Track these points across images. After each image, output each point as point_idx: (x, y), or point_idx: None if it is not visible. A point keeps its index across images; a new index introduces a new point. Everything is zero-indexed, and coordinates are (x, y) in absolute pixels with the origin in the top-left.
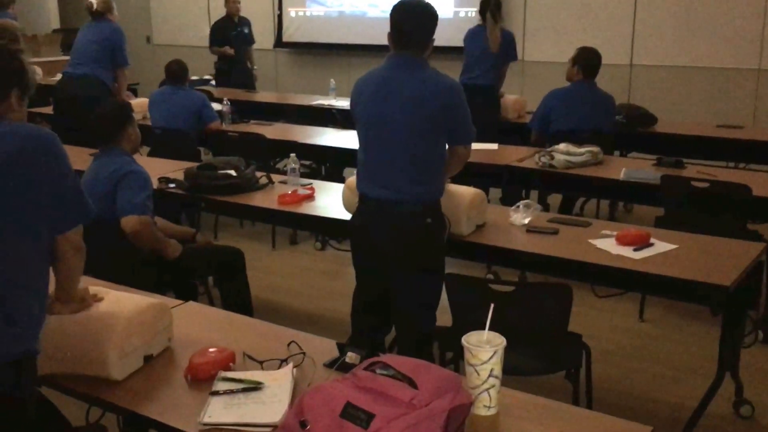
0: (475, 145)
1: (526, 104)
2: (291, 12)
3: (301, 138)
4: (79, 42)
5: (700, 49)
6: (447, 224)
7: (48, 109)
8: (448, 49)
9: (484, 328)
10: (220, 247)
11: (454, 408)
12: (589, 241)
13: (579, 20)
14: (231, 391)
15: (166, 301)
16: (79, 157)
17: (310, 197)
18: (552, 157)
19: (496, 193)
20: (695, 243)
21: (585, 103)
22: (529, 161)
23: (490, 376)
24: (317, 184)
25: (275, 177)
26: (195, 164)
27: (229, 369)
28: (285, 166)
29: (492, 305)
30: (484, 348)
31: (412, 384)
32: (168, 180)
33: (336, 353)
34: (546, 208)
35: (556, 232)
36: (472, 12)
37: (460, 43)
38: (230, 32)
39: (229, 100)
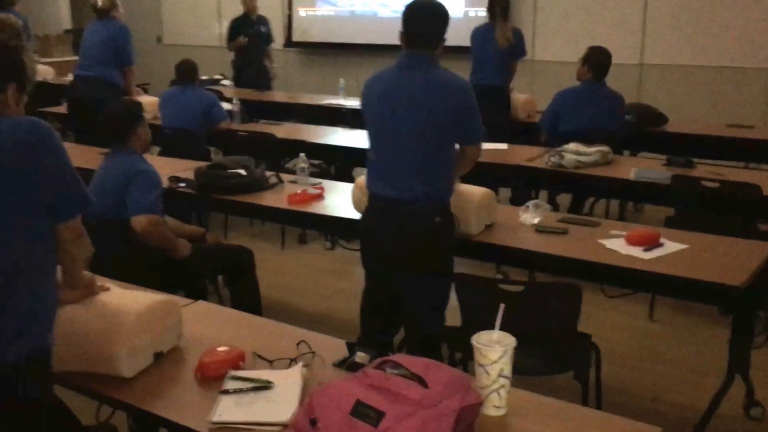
0: (484, 145)
1: (536, 104)
2: (301, 12)
3: (311, 138)
4: (85, 42)
5: (711, 48)
6: (456, 224)
7: (60, 109)
8: (458, 48)
9: (493, 328)
10: (229, 247)
11: (464, 408)
12: (599, 241)
13: (589, 20)
14: (241, 390)
15: (175, 299)
16: (91, 157)
17: (320, 197)
18: (562, 157)
19: (505, 192)
20: (705, 243)
21: (595, 102)
22: (538, 161)
23: (499, 376)
24: (326, 183)
25: (285, 176)
26: (205, 164)
27: (238, 368)
28: (294, 165)
29: (502, 306)
30: (494, 348)
31: (422, 383)
32: (178, 179)
33: (345, 353)
34: (555, 208)
35: (565, 232)
36: (482, 11)
37: (470, 43)
38: (247, 30)
39: (239, 99)
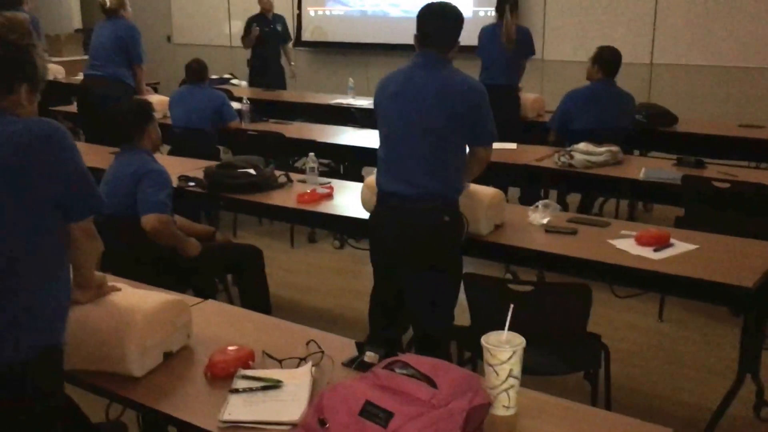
0: (493, 145)
1: (546, 103)
2: (310, 11)
3: (320, 137)
4: (94, 42)
5: (721, 48)
6: (465, 223)
7: (71, 108)
8: (467, 48)
9: (502, 328)
10: (239, 246)
11: (473, 408)
12: (609, 241)
13: (599, 19)
14: (250, 389)
15: (185, 298)
16: (101, 156)
17: (329, 196)
18: (571, 157)
19: (514, 192)
20: (716, 243)
21: (604, 102)
22: (548, 161)
23: (509, 376)
24: (336, 183)
25: (294, 176)
26: (214, 163)
27: (248, 367)
28: (304, 165)
29: (512, 306)
30: (504, 348)
31: (431, 383)
32: (188, 178)
33: (355, 352)
34: (565, 207)
35: (575, 232)
36: (491, 11)
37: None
38: (262, 29)
39: (248, 99)
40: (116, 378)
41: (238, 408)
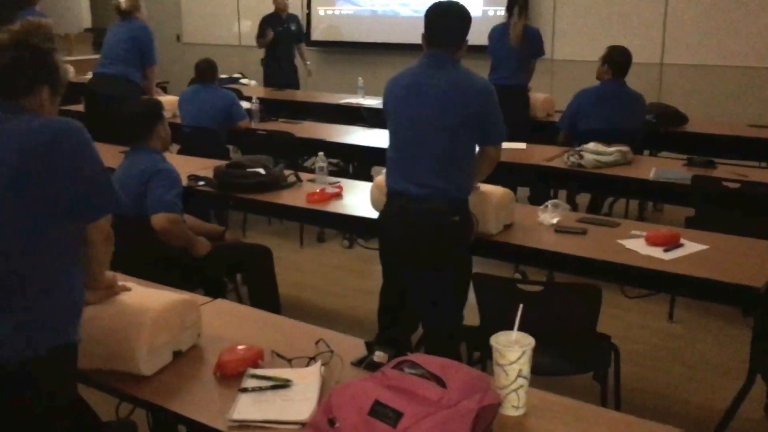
0: (503, 145)
1: (555, 103)
2: (320, 11)
3: (329, 137)
4: (108, 42)
5: (732, 47)
6: (475, 223)
7: (79, 107)
8: (477, 48)
9: (511, 328)
10: (248, 245)
11: (483, 408)
12: (618, 241)
13: (609, 19)
14: (259, 389)
15: (194, 297)
16: (110, 155)
17: (338, 196)
18: (581, 157)
19: (524, 192)
20: (726, 244)
21: (614, 102)
22: (557, 161)
23: (518, 376)
24: (345, 182)
25: (303, 175)
26: (224, 162)
27: (257, 366)
28: (313, 164)
29: (521, 306)
30: (513, 348)
31: (440, 383)
32: (197, 178)
33: (364, 352)
34: (574, 207)
35: (584, 232)
36: (501, 11)
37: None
38: (276, 28)
39: (258, 98)
40: (126, 377)
41: (247, 407)
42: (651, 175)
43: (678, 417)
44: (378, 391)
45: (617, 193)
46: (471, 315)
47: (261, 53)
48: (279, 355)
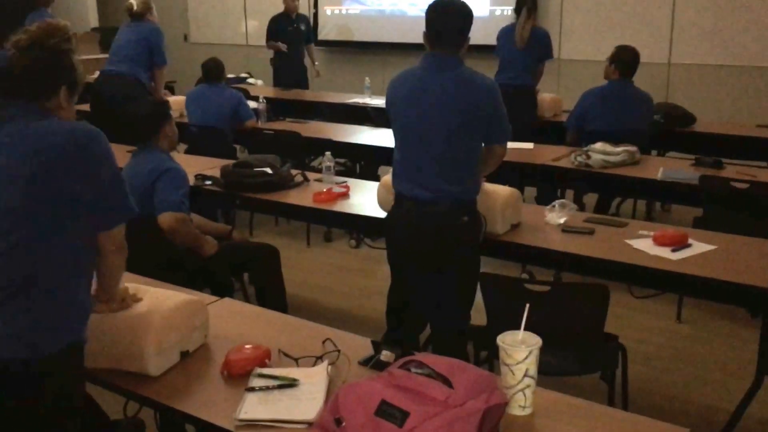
0: (510, 144)
1: (562, 103)
2: (327, 10)
3: (336, 136)
4: (117, 42)
5: (739, 47)
6: (483, 223)
7: (86, 106)
8: (484, 47)
9: (518, 328)
10: (255, 245)
11: (490, 408)
12: (626, 241)
13: (616, 18)
14: (267, 388)
15: (202, 297)
16: (117, 155)
17: (345, 195)
18: (588, 157)
19: (531, 192)
20: (734, 244)
21: (622, 102)
22: (564, 161)
23: (525, 376)
24: (352, 182)
25: (310, 175)
26: (231, 162)
27: (264, 366)
28: (320, 164)
29: (527, 305)
30: (520, 348)
31: (447, 383)
32: (204, 177)
33: (371, 351)
34: (582, 207)
35: (592, 232)
36: (508, 10)
37: (495, 42)
38: (286, 28)
39: (264, 98)
40: (134, 377)
41: (254, 406)
42: (659, 175)
43: (685, 417)
44: (385, 391)
45: (625, 193)
46: (478, 315)
47: (268, 53)
48: (286, 355)
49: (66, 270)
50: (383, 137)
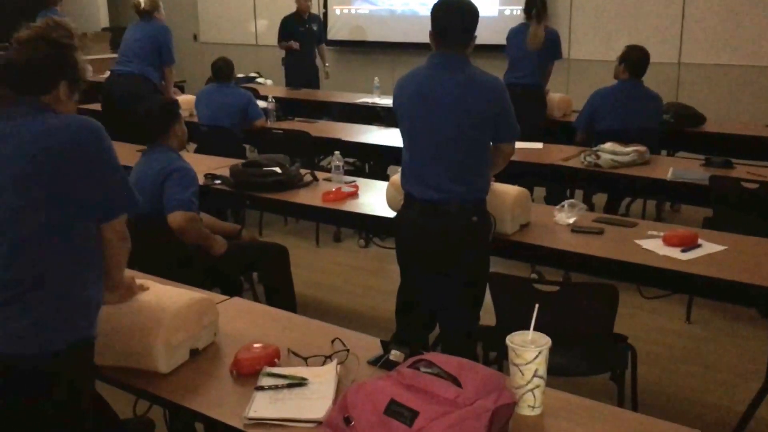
0: (519, 144)
1: (572, 103)
2: (336, 10)
3: (346, 136)
4: (126, 41)
5: (750, 47)
6: (492, 223)
7: (96, 106)
8: (493, 47)
9: (527, 328)
10: (264, 244)
11: (499, 407)
12: (636, 241)
13: (626, 18)
14: (276, 387)
15: (211, 296)
16: (127, 154)
17: (354, 195)
18: (598, 157)
19: (540, 192)
20: (744, 244)
21: (631, 102)
22: (574, 160)
23: (534, 376)
24: (361, 181)
25: (319, 174)
26: (240, 161)
27: (273, 365)
28: (329, 163)
29: (537, 306)
30: (529, 348)
31: (456, 383)
32: (214, 177)
33: (380, 351)
34: (591, 207)
35: (601, 232)
36: (517, 10)
37: (505, 42)
38: (298, 28)
39: (274, 97)
40: (144, 374)
41: (263, 405)
42: (668, 175)
43: (695, 418)
44: (394, 390)
45: (634, 194)
46: (487, 315)
47: (279, 53)
48: (295, 354)
49: (73, 266)
50: (392, 137)
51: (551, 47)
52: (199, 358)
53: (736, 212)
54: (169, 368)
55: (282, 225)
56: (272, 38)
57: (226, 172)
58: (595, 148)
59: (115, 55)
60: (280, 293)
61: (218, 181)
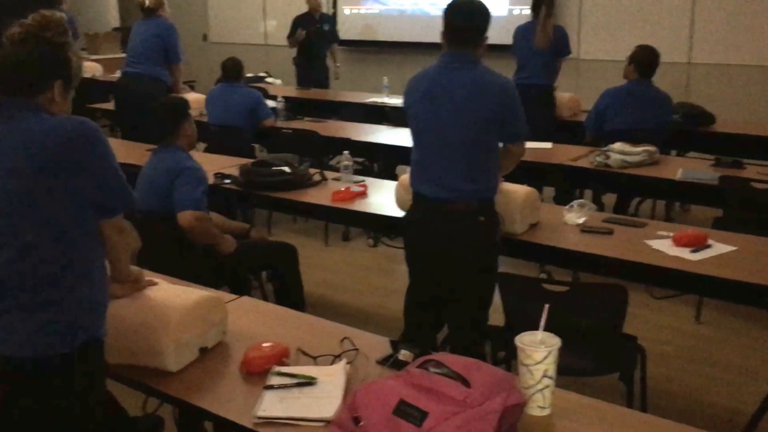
0: (529, 144)
1: (581, 102)
2: (345, 10)
3: (355, 135)
4: (133, 40)
5: (760, 46)
6: (501, 223)
7: (109, 106)
8: (502, 47)
9: (536, 328)
10: (273, 243)
11: (508, 408)
12: (645, 241)
13: (635, 18)
14: (285, 386)
15: (220, 295)
16: (138, 153)
17: (363, 194)
18: (607, 157)
19: (549, 192)
20: (754, 245)
21: (640, 101)
22: (583, 160)
23: (543, 376)
24: (370, 181)
25: (328, 174)
26: (250, 161)
27: (282, 364)
28: (338, 163)
29: (547, 306)
30: (539, 348)
31: (465, 383)
32: (223, 176)
33: (389, 350)
34: (600, 207)
35: (610, 233)
36: (526, 10)
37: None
38: (309, 29)
39: (283, 97)
40: (153, 372)
41: (272, 404)
42: (678, 175)
43: (705, 419)
44: (403, 390)
45: (644, 194)
46: (496, 315)
47: (287, 52)
48: (304, 353)
49: (78, 266)
50: (401, 136)
51: (559, 44)
52: (208, 356)
53: (746, 213)
54: (178, 366)
55: (291, 224)
56: (282, 38)
57: (235, 172)
58: (604, 148)
59: (125, 55)
60: (289, 292)
61: (228, 181)
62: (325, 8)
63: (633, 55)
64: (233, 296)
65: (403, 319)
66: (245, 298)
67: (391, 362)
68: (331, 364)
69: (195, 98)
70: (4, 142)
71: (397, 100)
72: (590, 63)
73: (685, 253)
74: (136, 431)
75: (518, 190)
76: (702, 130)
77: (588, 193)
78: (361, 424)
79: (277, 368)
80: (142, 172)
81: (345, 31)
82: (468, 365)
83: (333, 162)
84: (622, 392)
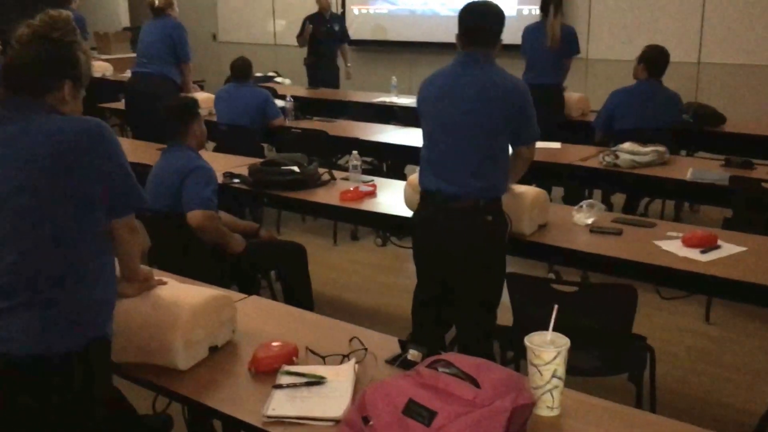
0: (538, 144)
1: (590, 102)
2: (354, 9)
3: (363, 135)
4: (142, 40)
5: None
6: (509, 223)
7: (119, 105)
8: (511, 47)
9: (545, 328)
10: (282, 242)
11: (517, 408)
12: (654, 242)
13: (645, 17)
14: (294, 385)
15: (230, 294)
16: (148, 152)
17: (372, 194)
18: (617, 157)
19: (558, 192)
20: (764, 245)
21: (650, 101)
22: (592, 160)
23: (553, 376)
24: (379, 181)
25: (337, 173)
26: (259, 160)
27: (291, 363)
28: (347, 162)
29: (556, 306)
30: (548, 349)
31: (474, 383)
32: (232, 175)
33: (398, 350)
34: (610, 207)
35: (620, 233)
36: (535, 10)
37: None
38: (320, 28)
39: (291, 96)
40: (163, 371)
41: (281, 403)
42: (688, 175)
43: (714, 420)
44: (412, 390)
45: (653, 194)
46: (504, 315)
47: (296, 52)
48: (313, 352)
49: (87, 265)
50: (410, 136)
51: (568, 43)
52: (218, 355)
53: (756, 213)
54: (187, 365)
55: (300, 223)
56: (291, 38)
57: (244, 171)
58: (613, 148)
59: (135, 55)
60: (298, 292)
61: (237, 180)
62: (335, 8)
63: (642, 54)
64: (242, 295)
65: (411, 318)
66: (254, 298)
67: (400, 362)
68: (340, 363)
69: (204, 98)
70: (16, 142)
71: (406, 100)
72: (599, 63)
73: (694, 254)
74: (145, 430)
75: (527, 191)
76: (712, 130)
77: (597, 193)
78: (371, 423)
79: (287, 367)
80: (152, 171)
81: (354, 31)
82: (477, 365)
83: (342, 162)
84: (632, 393)
